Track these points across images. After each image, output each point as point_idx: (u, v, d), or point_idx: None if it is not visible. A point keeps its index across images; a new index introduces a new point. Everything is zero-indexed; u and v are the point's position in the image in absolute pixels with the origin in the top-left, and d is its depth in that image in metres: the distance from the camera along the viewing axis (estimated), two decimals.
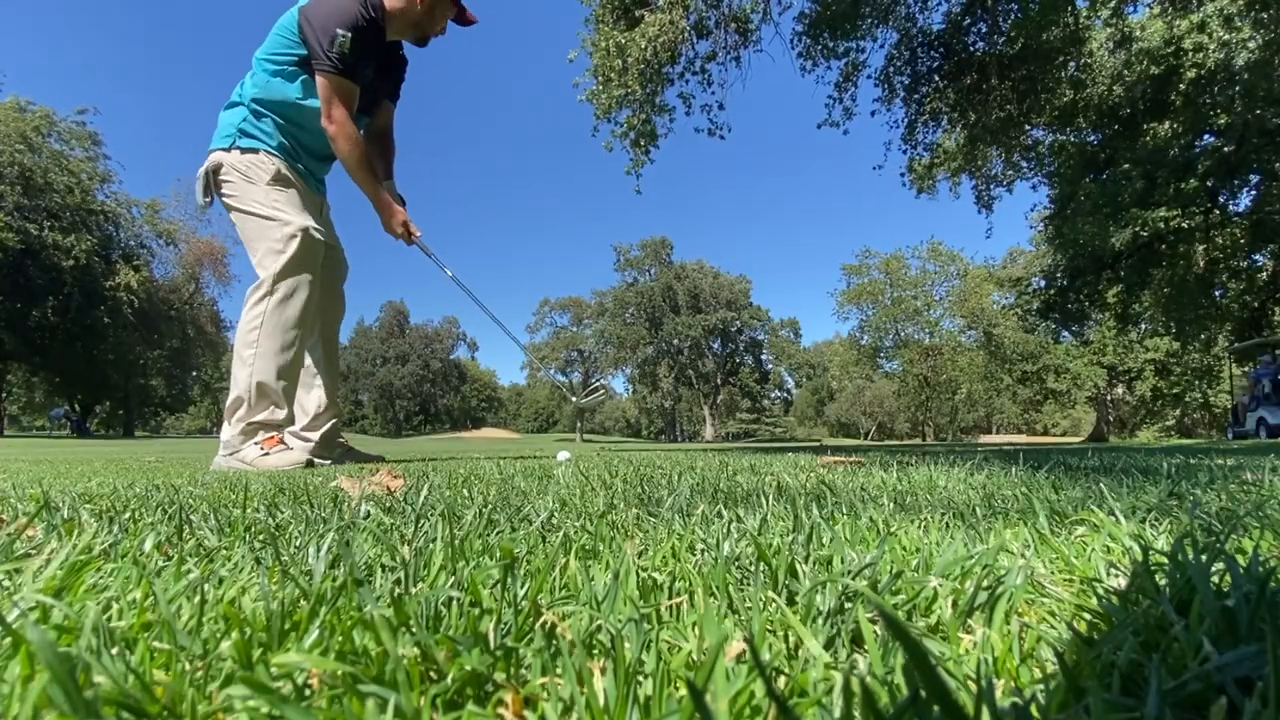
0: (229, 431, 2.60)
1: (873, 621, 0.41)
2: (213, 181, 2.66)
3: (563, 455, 3.17)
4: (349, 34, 2.52)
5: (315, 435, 2.86)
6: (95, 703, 0.25)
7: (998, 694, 0.33)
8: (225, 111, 2.73)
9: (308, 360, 2.90)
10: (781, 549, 0.57)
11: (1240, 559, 0.48)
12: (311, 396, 2.90)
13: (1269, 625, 0.28)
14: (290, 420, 2.74)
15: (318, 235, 2.67)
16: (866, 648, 0.34)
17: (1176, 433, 34.61)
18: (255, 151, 2.64)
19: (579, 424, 54.08)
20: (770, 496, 0.96)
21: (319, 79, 2.56)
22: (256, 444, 2.56)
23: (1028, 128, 10.17)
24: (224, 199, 2.67)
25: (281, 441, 2.62)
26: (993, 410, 50.03)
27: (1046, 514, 0.78)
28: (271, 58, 2.62)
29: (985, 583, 0.45)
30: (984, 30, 8.96)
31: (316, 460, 2.68)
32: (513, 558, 0.47)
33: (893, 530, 0.68)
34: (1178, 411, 33.07)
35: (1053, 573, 0.53)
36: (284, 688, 0.30)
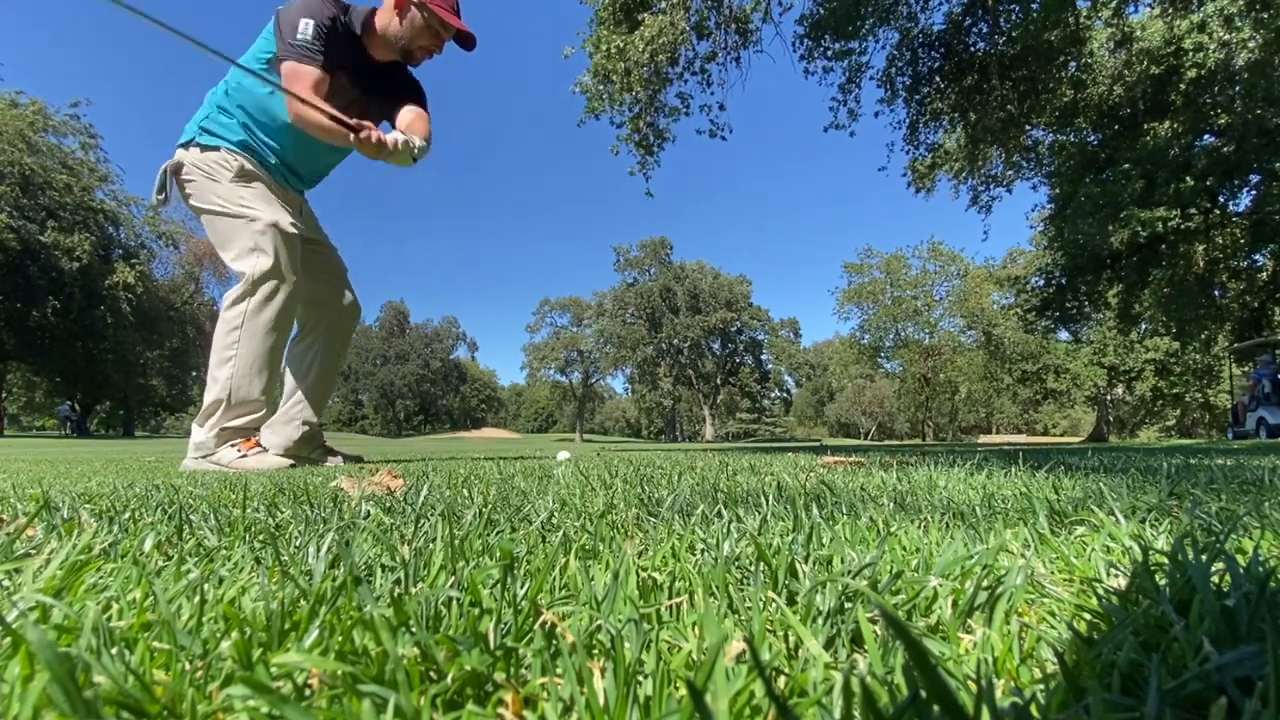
0: (201, 434, 2.53)
1: (873, 621, 0.41)
2: (174, 180, 2.60)
3: (563, 455, 3.17)
4: (310, 21, 2.51)
5: (294, 435, 2.76)
6: (95, 703, 0.25)
7: (998, 694, 0.33)
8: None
9: (305, 361, 2.83)
10: (781, 549, 0.57)
11: (1240, 559, 0.48)
12: (295, 397, 2.82)
13: (1269, 625, 0.28)
14: (267, 418, 2.67)
15: (291, 229, 2.58)
16: (866, 648, 0.34)
17: (1176, 433, 34.63)
18: (216, 149, 2.58)
19: (579, 424, 54.10)
20: (770, 496, 0.96)
21: (283, 69, 2.51)
22: (233, 446, 2.51)
23: (1028, 128, 10.17)
24: (189, 199, 2.61)
25: (258, 444, 2.56)
26: (993, 410, 50.05)
27: (1046, 514, 0.78)
28: (251, 56, 2.61)
29: (985, 583, 0.45)
30: (984, 30, 8.96)
31: (294, 460, 2.62)
32: (512, 558, 0.47)
33: (893, 530, 0.68)
34: (1178, 411, 33.11)
35: (1053, 573, 0.53)
36: (284, 688, 0.30)
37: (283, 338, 2.61)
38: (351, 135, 2.56)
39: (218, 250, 2.61)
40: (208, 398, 2.54)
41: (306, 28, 2.50)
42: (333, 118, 2.52)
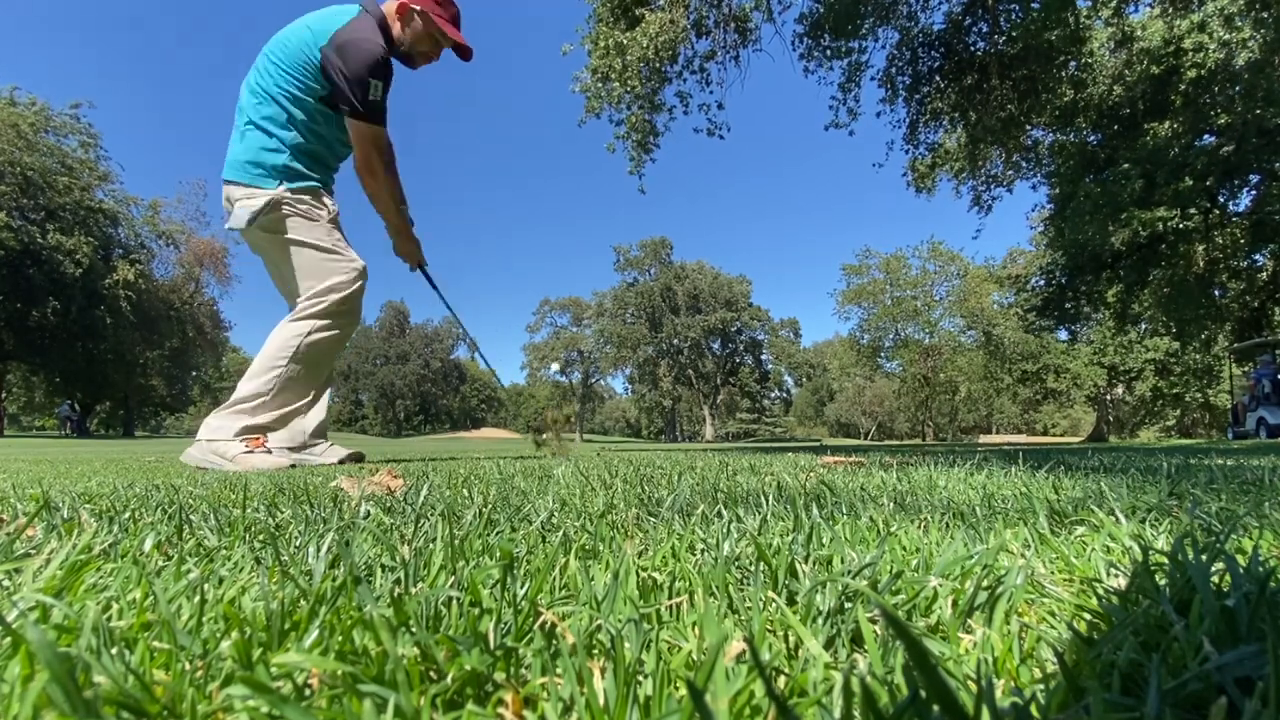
0: (218, 420, 2.56)
1: (873, 621, 0.41)
2: (251, 212, 2.65)
3: None
4: (380, 82, 2.61)
5: (303, 453, 2.84)
6: (95, 702, 0.25)
7: (998, 694, 0.33)
8: (252, 143, 2.66)
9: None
10: (781, 549, 0.57)
11: (1240, 559, 0.48)
12: (311, 417, 2.88)
13: (1269, 625, 0.28)
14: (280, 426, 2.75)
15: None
16: (866, 648, 0.34)
17: (1176, 433, 34.63)
18: (312, 191, 2.72)
19: (579, 424, 54.09)
20: (770, 496, 0.96)
21: (357, 127, 2.64)
22: (240, 441, 2.54)
23: (1028, 128, 10.17)
24: (286, 233, 2.68)
25: (264, 444, 2.60)
26: (993, 410, 50.05)
27: (1046, 514, 0.78)
28: (299, 94, 2.61)
29: (985, 583, 0.45)
30: (984, 30, 8.96)
31: (296, 461, 2.66)
32: (512, 558, 0.47)
33: (893, 530, 0.68)
34: (1178, 411, 33.10)
35: (1053, 573, 0.53)
36: (284, 688, 0.30)
37: (330, 363, 2.81)
38: (403, 238, 3.04)
39: (298, 278, 2.70)
40: (246, 387, 2.60)
41: (377, 89, 2.61)
42: (397, 197, 2.90)
